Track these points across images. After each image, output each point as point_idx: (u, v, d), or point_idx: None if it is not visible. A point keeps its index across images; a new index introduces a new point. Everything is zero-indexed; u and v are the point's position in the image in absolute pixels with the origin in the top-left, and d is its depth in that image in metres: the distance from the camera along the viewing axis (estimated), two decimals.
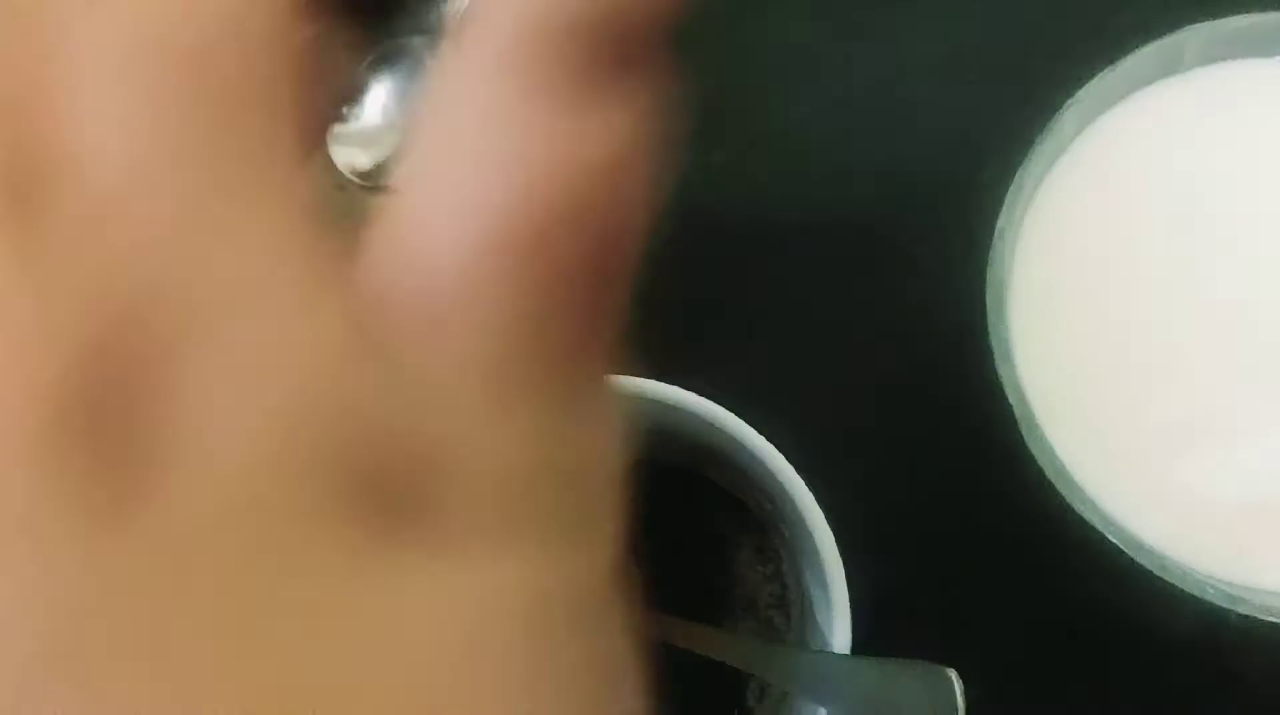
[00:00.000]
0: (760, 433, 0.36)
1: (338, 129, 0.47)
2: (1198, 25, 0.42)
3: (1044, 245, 0.43)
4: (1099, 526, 0.40)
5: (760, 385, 0.38)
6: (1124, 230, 0.43)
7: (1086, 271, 0.43)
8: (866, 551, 0.36)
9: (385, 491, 0.13)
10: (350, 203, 0.47)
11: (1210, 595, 0.39)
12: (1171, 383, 0.42)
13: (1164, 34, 0.42)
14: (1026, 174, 0.41)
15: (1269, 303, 0.42)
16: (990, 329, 0.41)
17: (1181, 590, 0.39)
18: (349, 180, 0.47)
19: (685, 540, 0.44)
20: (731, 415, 0.36)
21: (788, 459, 0.36)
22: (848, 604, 0.35)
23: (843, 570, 0.34)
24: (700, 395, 0.37)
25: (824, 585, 0.35)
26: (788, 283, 0.46)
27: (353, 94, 0.47)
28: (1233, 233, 0.43)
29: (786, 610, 0.43)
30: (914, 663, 0.32)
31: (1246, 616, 0.39)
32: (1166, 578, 0.39)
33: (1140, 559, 0.40)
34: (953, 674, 0.32)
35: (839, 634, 0.35)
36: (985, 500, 0.44)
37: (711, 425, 0.37)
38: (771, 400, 0.37)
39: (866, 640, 0.36)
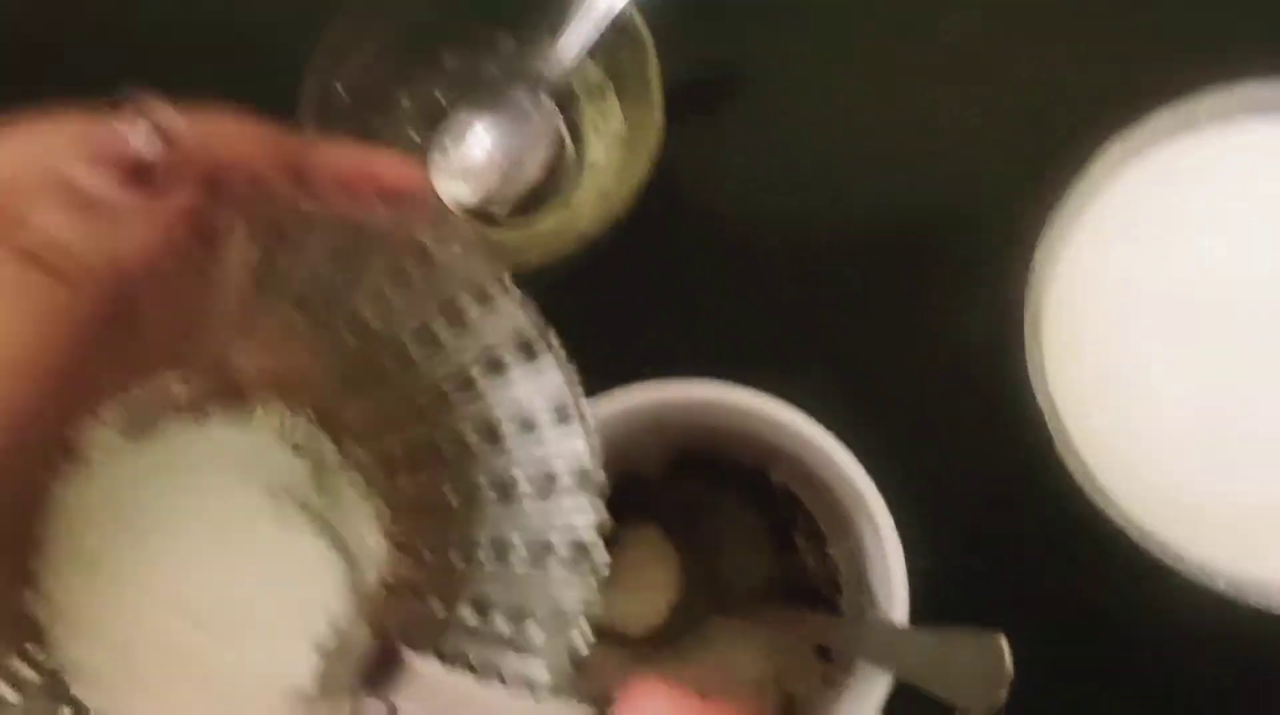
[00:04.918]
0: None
1: (440, 162, 0.50)
2: (1212, 89, 0.45)
3: (1072, 278, 0.46)
4: (1119, 523, 0.42)
5: (826, 396, 0.40)
6: (1141, 266, 0.46)
7: (1108, 302, 0.46)
8: (919, 540, 0.39)
9: None
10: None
11: (1222, 587, 0.42)
12: (1182, 400, 0.45)
13: (1182, 96, 0.45)
14: (1059, 215, 0.44)
15: (1264, 329, 0.45)
16: (1027, 350, 0.44)
17: (1195, 581, 0.42)
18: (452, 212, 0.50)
19: (745, 532, 0.48)
20: (810, 419, 0.39)
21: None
22: (906, 583, 0.38)
23: (902, 555, 0.38)
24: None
25: (885, 567, 0.39)
26: (853, 309, 0.51)
27: (455, 131, 0.50)
28: (1232, 269, 0.46)
29: (839, 588, 0.45)
30: (966, 630, 0.35)
31: (1252, 605, 0.42)
32: (1181, 571, 0.42)
33: (1157, 553, 0.42)
34: (1002, 639, 0.34)
35: (898, 608, 0.38)
36: (1020, 501, 0.47)
37: (784, 428, 0.40)
38: (835, 410, 0.40)
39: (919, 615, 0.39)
